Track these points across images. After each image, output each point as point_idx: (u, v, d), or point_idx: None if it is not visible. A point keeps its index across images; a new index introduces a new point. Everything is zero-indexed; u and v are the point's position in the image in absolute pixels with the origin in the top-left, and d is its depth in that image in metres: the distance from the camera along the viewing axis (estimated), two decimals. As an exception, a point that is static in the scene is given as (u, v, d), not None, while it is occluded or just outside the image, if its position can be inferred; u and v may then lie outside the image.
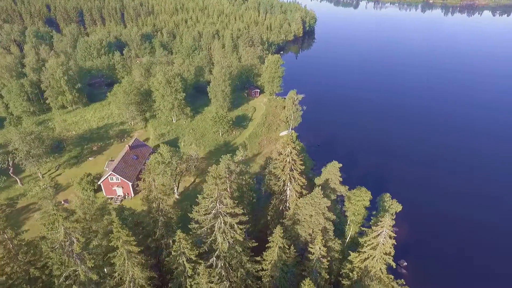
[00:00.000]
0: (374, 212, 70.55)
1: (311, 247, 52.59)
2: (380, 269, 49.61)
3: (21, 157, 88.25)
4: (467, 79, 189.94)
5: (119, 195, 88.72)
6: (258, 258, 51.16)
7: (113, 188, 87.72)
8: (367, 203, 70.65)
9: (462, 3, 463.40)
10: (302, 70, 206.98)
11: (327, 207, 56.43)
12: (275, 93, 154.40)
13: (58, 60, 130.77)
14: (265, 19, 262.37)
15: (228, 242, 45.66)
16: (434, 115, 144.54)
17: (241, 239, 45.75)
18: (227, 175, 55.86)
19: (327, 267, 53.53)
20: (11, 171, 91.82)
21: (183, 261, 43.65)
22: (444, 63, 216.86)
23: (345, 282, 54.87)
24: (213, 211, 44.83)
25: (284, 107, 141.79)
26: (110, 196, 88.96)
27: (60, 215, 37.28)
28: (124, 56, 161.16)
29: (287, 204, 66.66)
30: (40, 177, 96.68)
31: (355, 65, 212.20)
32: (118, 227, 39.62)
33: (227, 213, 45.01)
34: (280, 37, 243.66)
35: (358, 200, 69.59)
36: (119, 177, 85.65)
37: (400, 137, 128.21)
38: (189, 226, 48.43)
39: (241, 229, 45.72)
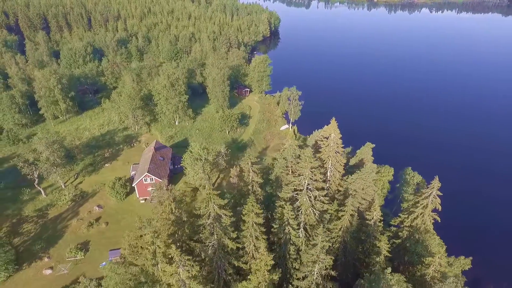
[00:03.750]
0: (397, 185, 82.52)
1: (369, 214, 62.38)
2: (428, 224, 60.94)
3: (46, 167, 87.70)
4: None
5: (152, 196, 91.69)
6: (330, 227, 59.73)
7: (147, 189, 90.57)
8: (391, 178, 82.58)
9: (403, 1, 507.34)
10: (279, 67, 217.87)
11: (374, 180, 66.60)
12: (264, 91, 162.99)
13: (51, 69, 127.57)
14: (232, 21, 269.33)
15: (315, 213, 53.60)
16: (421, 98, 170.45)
17: (329, 208, 54.01)
18: (293, 159, 63.59)
19: (381, 230, 63.74)
20: (36, 182, 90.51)
21: (289, 230, 50.82)
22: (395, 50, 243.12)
23: (395, 240, 65.53)
24: (304, 187, 52.43)
25: (278, 103, 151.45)
26: (144, 197, 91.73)
27: (214, 194, 42.70)
28: (110, 62, 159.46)
29: (328, 184, 75.77)
30: (62, 186, 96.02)
31: (325, 59, 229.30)
32: (253, 201, 45.84)
33: (314, 188, 53.01)
34: (252, 38, 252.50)
35: (383, 176, 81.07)
36: (154, 177, 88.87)
37: (380, 117, 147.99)
38: (276, 203, 55.45)
39: (327, 199, 54.01)
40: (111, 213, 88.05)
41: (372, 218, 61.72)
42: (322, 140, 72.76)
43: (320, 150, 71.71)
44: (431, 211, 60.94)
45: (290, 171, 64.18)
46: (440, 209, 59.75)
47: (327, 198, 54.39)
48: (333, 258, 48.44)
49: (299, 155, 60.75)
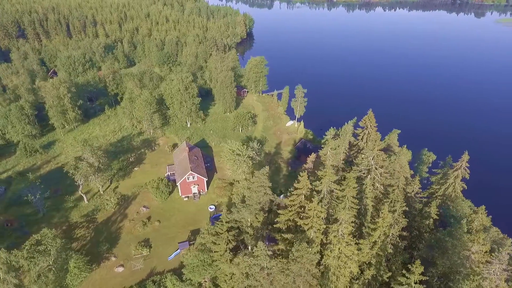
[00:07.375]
0: (415, 165, 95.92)
1: (409, 187, 74.37)
2: (458, 192, 74.18)
3: (90, 174, 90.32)
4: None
5: (194, 193, 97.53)
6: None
7: (190, 187, 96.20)
8: (409, 159, 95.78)
9: (360, 1, 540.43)
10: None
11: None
12: (261, 91, 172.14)
13: (60, 78, 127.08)
14: (210, 23, 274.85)
15: (378, 187, 64.16)
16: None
17: (393, 183, 64.97)
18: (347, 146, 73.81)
19: (419, 200, 76.14)
20: (80, 188, 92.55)
21: (366, 203, 60.77)
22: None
23: (428, 209, 78.24)
24: (373, 166, 62.65)
25: (278, 101, 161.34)
26: (186, 195, 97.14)
27: (331, 173, 51.30)
28: (110, 69, 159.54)
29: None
30: (101, 191, 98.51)
31: (303, 56, 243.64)
32: (352, 177, 54.93)
33: (378, 166, 63.60)
34: (232, 40, 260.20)
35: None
36: (196, 175, 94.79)
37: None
38: (342, 182, 65.20)
39: (389, 176, 64.99)
40: (159, 212, 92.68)
41: (413, 191, 73.83)
42: (357, 129, 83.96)
43: (358, 139, 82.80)
44: (460, 181, 74.40)
45: (341, 158, 74.47)
46: (468, 178, 73.24)
47: (389, 174, 65.54)
48: (408, 220, 59.51)
49: (353, 143, 71.15)
